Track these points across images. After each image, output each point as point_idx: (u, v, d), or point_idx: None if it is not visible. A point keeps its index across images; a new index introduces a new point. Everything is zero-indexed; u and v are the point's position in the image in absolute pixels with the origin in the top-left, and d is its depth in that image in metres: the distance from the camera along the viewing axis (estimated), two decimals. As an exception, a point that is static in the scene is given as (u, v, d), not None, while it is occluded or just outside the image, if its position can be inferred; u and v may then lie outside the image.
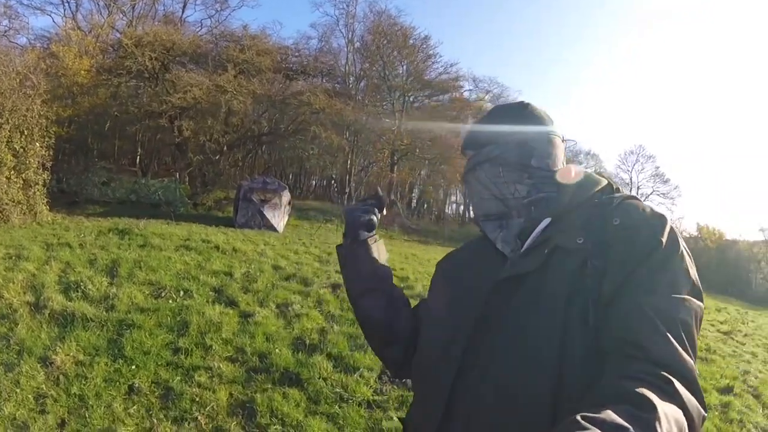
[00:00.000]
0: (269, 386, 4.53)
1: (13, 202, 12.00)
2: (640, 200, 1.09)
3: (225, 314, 6.02)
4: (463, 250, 1.39)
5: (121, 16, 28.18)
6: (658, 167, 44.57)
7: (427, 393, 1.14)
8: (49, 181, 13.77)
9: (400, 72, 30.93)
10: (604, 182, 1.18)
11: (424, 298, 1.41)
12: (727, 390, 6.24)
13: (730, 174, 71.23)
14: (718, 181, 69.95)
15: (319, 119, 21.74)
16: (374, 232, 1.43)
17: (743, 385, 6.53)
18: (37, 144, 12.99)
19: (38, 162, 13.04)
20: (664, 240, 0.96)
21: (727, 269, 29.42)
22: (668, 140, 68.73)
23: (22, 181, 12.42)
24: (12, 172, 12.16)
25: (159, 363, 4.70)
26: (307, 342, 5.48)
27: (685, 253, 0.97)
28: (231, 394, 4.34)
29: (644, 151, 44.77)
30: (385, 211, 1.46)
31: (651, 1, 66.89)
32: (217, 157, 21.88)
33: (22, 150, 12.51)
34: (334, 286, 7.90)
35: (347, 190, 28.39)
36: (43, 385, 4.15)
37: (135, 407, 3.94)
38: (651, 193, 43.88)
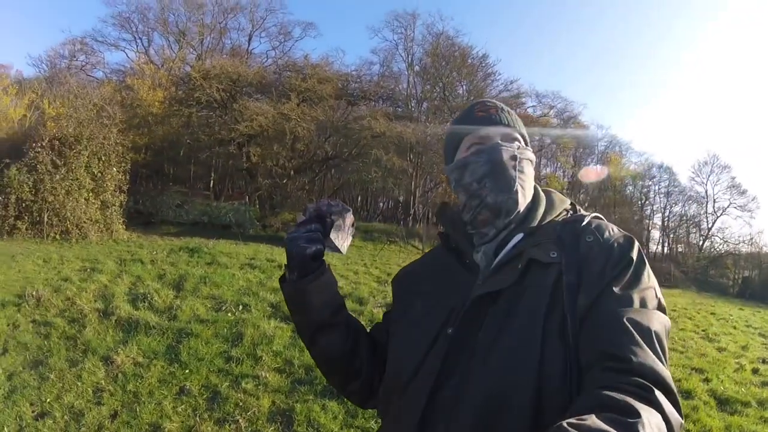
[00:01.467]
0: (311, 398, 4.66)
1: (91, 221, 13.05)
2: (605, 220, 1.13)
3: (279, 328, 6.25)
4: (420, 265, 1.35)
5: (191, 50, 29.89)
6: (734, 178, 40.37)
7: (399, 415, 1.08)
8: (126, 203, 14.76)
9: (461, 92, 30.71)
10: (569, 202, 1.23)
11: (379, 322, 1.38)
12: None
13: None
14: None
15: (381, 142, 22.06)
16: (322, 261, 1.27)
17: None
18: (114, 168, 14.08)
19: (115, 185, 14.14)
20: (634, 258, 1.00)
21: (812, 286, 27.17)
22: (743, 148, 64.05)
23: (99, 202, 13.52)
24: (90, 194, 13.26)
25: (211, 369, 4.96)
26: (355, 358, 5.55)
27: (651, 270, 1.02)
28: (273, 402, 4.52)
29: (719, 161, 40.66)
30: (333, 234, 1.32)
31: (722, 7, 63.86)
32: (284, 181, 22.56)
33: (99, 174, 13.63)
34: (389, 306, 8.00)
35: (412, 212, 28.51)
36: (102, 381, 4.53)
37: (183, 406, 4.19)
38: (728, 206, 39.76)
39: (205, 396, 4.44)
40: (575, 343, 0.92)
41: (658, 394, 0.79)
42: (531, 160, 1.21)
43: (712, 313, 14.17)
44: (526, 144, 1.23)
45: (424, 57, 30.46)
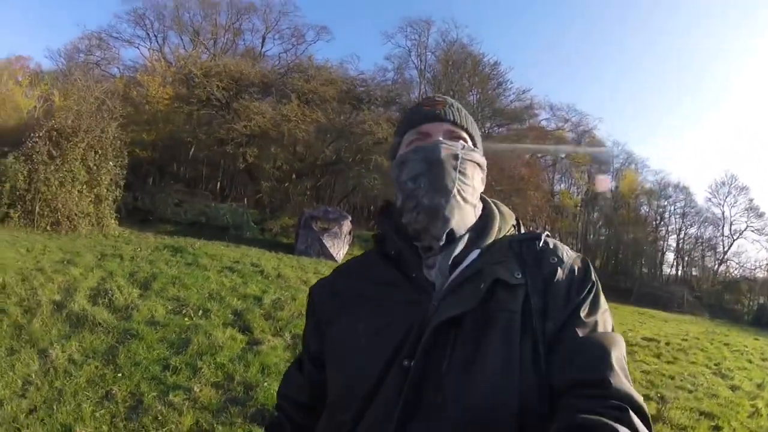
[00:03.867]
0: (239, 420, 4.25)
1: (83, 213, 13.10)
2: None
3: (232, 339, 5.95)
4: (351, 276, 1.17)
5: (204, 50, 29.99)
6: (752, 200, 39.30)
7: None
8: (121, 198, 14.84)
9: (471, 101, 30.30)
10: (514, 216, 1.16)
11: (299, 358, 1.23)
12: None
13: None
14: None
15: (383, 149, 21.92)
16: None
17: None
18: (111, 162, 14.14)
19: (110, 179, 14.16)
20: (595, 281, 1.00)
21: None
22: (763, 169, 62.90)
23: (93, 196, 13.57)
24: (84, 186, 13.32)
25: (145, 376, 4.69)
26: (304, 379, 5.26)
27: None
28: (197, 421, 4.14)
29: (737, 182, 39.63)
30: None
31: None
32: (285, 185, 22.53)
33: (95, 167, 13.65)
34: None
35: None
36: (33, 374, 4.37)
37: (102, 412, 3.97)
38: (745, 229, 38.89)
39: (128, 404, 4.17)
40: (547, 370, 0.90)
41: (632, 415, 0.80)
42: (477, 163, 1.10)
43: (725, 344, 13.27)
44: (475, 145, 1.14)
45: (436, 64, 30.41)
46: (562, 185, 40.54)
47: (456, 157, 1.05)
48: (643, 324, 15.94)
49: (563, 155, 37.48)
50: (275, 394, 4.64)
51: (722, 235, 39.97)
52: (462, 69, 29.67)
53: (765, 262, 38.05)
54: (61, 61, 28.24)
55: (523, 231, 1.14)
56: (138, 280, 7.77)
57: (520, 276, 0.96)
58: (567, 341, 0.91)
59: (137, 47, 30.12)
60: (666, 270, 41.10)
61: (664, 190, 41.44)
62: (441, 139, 1.07)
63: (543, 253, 1.02)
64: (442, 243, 1.01)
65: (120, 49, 29.93)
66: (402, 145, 1.14)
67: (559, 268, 0.99)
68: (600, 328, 0.94)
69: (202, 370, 5.01)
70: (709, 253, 41.18)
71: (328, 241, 16.75)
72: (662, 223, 42.00)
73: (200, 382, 4.77)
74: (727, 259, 39.49)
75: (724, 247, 39.76)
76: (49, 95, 18.55)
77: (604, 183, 39.26)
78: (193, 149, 22.98)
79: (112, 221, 14.11)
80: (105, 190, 13.88)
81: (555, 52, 61.77)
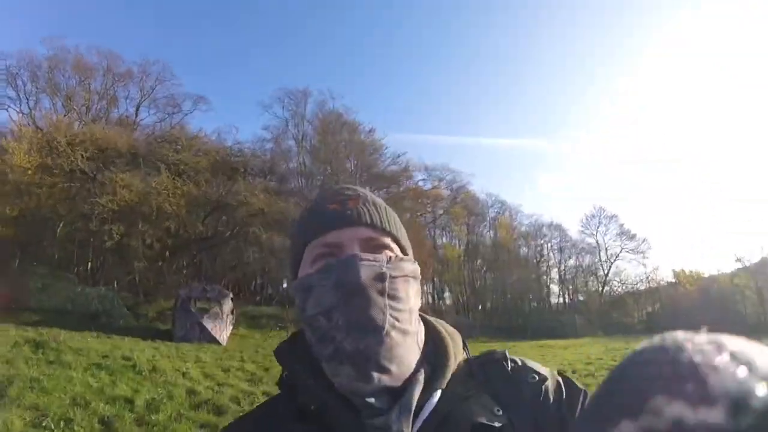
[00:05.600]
0: None
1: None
2: None
3: None
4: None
5: (77, 116, 28.61)
6: (622, 225, 44.94)
7: None
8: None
9: (349, 167, 31.31)
10: (459, 333, 0.91)
11: None
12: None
13: (696, 212, 73.25)
14: (685, 221, 73.97)
15: (262, 220, 21.70)
16: None
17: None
18: (-36, 240, 12.80)
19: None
20: (583, 389, 0.82)
21: (713, 308, 29.16)
22: (628, 192, 73.76)
23: None
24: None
25: None
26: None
27: None
28: None
29: (605, 212, 45.32)
30: None
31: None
32: (159, 263, 21.50)
33: None
34: None
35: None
36: None
37: None
38: (620, 252, 44.13)
39: None
40: None
41: None
42: (410, 276, 0.82)
43: (629, 359, 14.44)
44: (403, 250, 0.87)
45: (313, 134, 31.24)
46: (444, 239, 43.46)
47: (381, 277, 0.77)
48: (545, 356, 16.83)
49: (440, 211, 40.28)
50: None
51: (600, 260, 45.07)
52: (339, 137, 30.59)
53: (645, 276, 43.19)
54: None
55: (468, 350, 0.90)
56: (-7, 386, 7.23)
57: (500, 412, 0.75)
58: None
59: (6, 109, 28.11)
60: (554, 300, 45.68)
61: (539, 230, 46.11)
62: (357, 252, 0.79)
63: (517, 374, 0.82)
64: (383, 400, 0.75)
65: (-13, 111, 27.83)
66: (304, 260, 0.84)
67: (543, 386, 0.80)
68: None
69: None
70: (591, 279, 46.14)
71: (209, 323, 16.04)
72: (542, 260, 46.45)
73: None
74: (609, 281, 44.27)
75: (604, 271, 44.70)
76: None
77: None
78: (60, 226, 21.53)
79: (-34, 312, 12.78)
80: (-44, 277, 12.58)
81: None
